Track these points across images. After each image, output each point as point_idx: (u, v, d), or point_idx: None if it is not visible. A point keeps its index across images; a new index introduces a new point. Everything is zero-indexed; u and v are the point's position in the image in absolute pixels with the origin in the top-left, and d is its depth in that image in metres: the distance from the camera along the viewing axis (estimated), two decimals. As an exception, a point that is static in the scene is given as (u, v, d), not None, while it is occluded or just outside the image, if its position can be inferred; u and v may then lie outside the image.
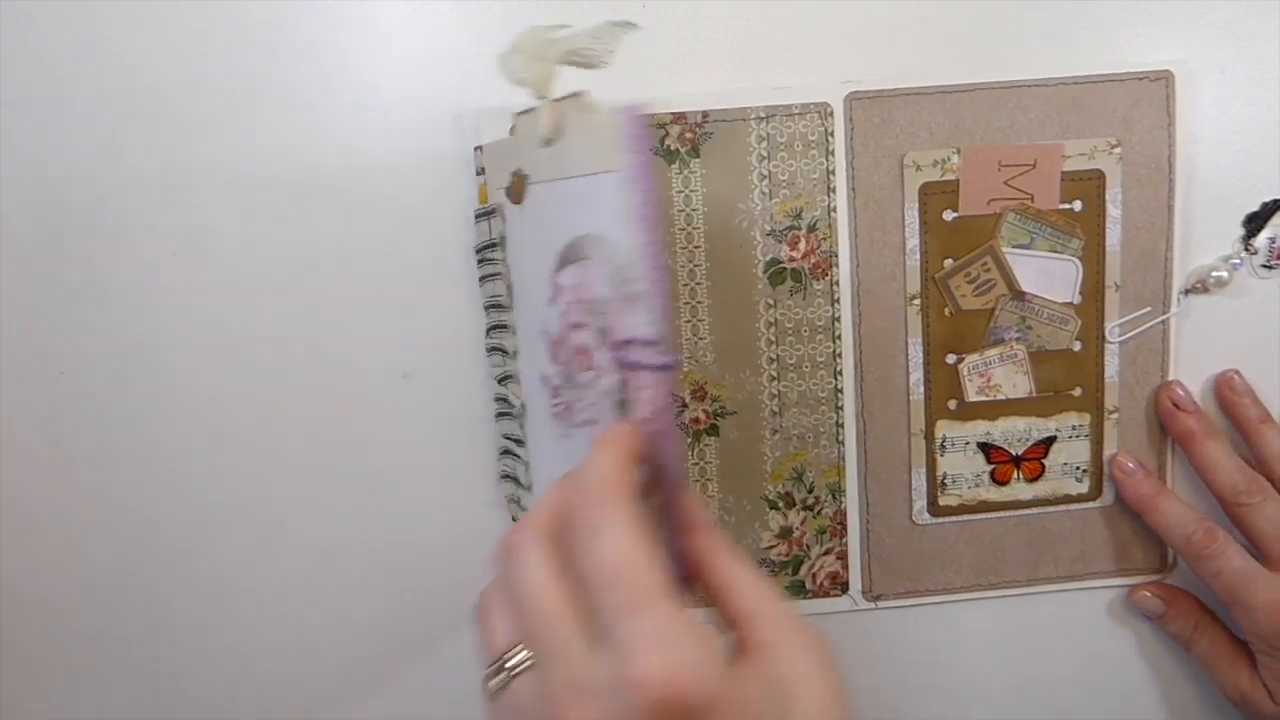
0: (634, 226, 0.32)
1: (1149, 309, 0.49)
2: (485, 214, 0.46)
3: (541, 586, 0.29)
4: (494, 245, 0.47)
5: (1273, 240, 0.48)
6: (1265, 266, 0.48)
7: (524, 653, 0.29)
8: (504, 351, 0.47)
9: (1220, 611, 0.50)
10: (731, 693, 0.28)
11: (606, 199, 0.34)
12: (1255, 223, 0.48)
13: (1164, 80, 0.47)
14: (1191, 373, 0.50)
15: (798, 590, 0.51)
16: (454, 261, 0.48)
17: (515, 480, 0.48)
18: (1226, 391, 0.49)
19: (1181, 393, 0.49)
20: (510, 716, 0.29)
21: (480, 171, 0.46)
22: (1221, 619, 0.50)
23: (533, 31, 0.38)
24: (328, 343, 0.48)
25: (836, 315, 0.48)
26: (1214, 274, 0.48)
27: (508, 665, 0.29)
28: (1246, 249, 0.48)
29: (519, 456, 0.48)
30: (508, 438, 0.48)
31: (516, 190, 0.43)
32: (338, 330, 0.48)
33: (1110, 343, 0.49)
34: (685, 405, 0.49)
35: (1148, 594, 0.51)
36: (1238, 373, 0.49)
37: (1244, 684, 0.48)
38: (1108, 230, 0.48)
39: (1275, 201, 0.48)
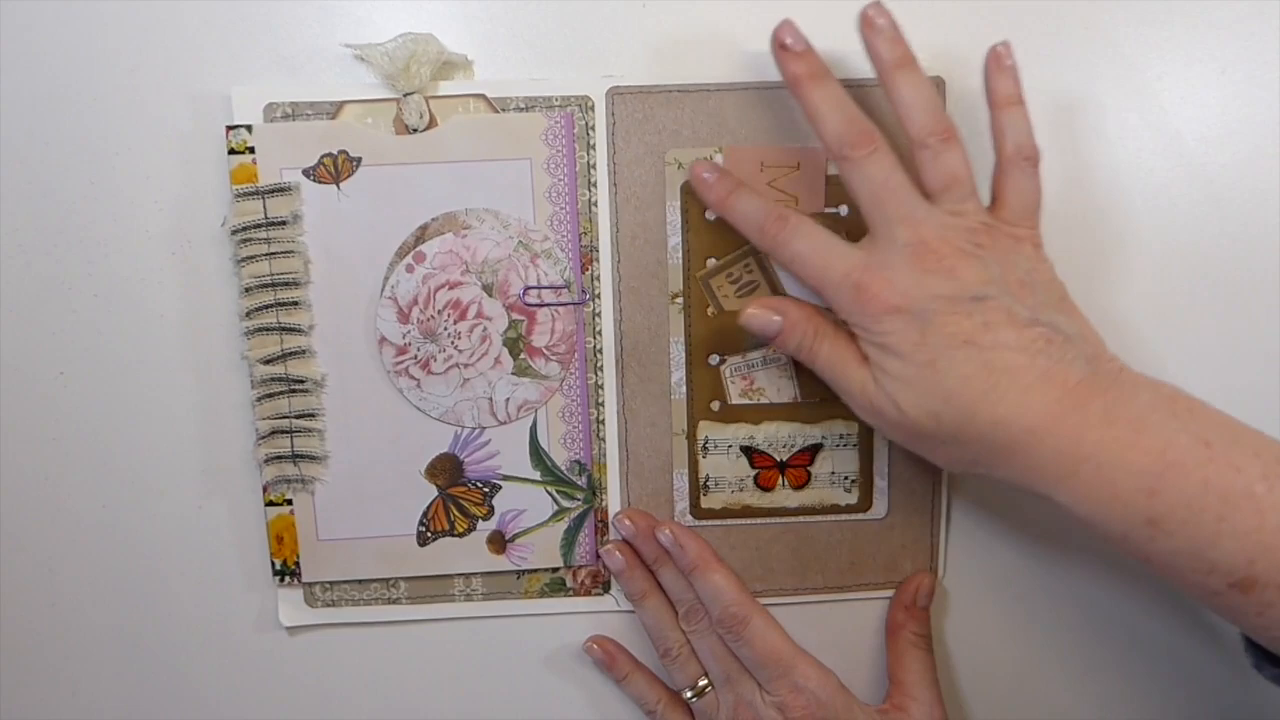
0: (543, 201, 0.46)
1: (919, 319, 0.48)
2: (258, 193, 0.47)
3: (723, 650, 0.48)
4: (280, 224, 0.47)
5: None
6: None
7: (705, 681, 0.49)
8: (289, 329, 0.48)
9: None
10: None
11: (504, 180, 0.46)
12: None
13: (936, 86, 0.46)
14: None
15: (558, 588, 0.50)
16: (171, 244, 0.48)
17: (295, 458, 0.49)
18: (865, 28, 0.41)
19: (789, 36, 0.41)
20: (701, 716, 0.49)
21: (243, 150, 0.47)
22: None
23: (408, 36, 0.44)
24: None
25: (597, 311, 0.48)
26: None
27: (699, 685, 0.49)
28: None
29: (310, 431, 0.48)
30: (289, 416, 0.49)
31: (335, 170, 0.47)
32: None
33: (879, 351, 0.48)
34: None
35: (754, 311, 0.44)
36: (877, 3, 0.41)
37: (870, 389, 0.41)
38: (876, 237, 0.47)
39: None
